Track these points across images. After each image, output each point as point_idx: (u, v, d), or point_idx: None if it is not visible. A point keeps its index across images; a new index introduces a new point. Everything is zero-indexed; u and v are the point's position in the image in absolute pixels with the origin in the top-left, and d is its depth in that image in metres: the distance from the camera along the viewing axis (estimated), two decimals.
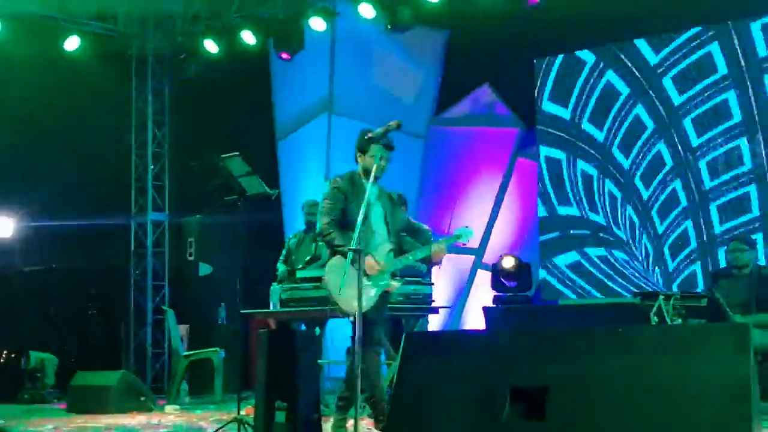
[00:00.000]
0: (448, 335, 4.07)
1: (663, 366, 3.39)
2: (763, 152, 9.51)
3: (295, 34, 11.20)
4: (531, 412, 3.43)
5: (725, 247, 8.09)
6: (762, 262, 8.91)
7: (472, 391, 3.52)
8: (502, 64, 11.22)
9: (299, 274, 8.48)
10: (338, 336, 9.78)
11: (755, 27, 9.66)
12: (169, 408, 9.04)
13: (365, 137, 6.27)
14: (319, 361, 8.99)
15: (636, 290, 9.14)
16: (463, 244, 6.80)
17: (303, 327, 9.11)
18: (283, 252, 9.57)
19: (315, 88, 12.07)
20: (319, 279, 8.09)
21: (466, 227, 6.65)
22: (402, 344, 3.75)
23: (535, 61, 11.18)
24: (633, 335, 3.57)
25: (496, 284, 10.42)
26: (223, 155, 6.88)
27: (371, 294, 5.87)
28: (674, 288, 9.80)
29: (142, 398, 8.95)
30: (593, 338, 3.63)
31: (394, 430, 3.51)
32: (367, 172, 6.16)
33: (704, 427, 3.18)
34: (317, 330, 8.42)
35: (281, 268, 9.36)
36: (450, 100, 12.18)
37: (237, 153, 6.74)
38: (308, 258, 8.99)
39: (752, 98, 9.61)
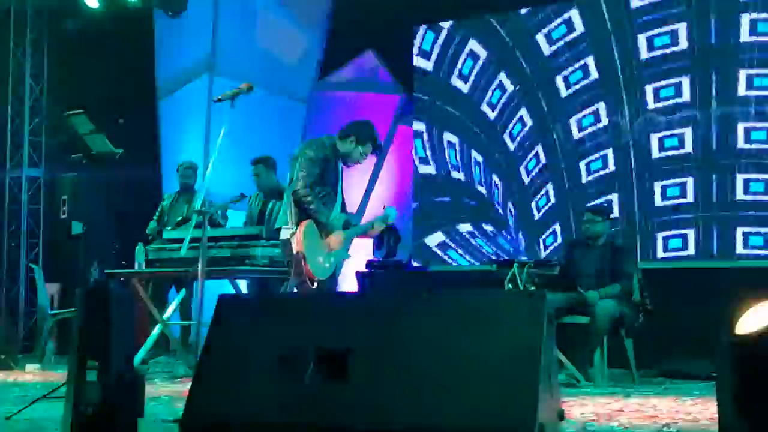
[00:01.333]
0: (263, 298, 4.12)
1: (461, 332, 3.47)
2: (627, 114, 9.71)
3: None
4: (333, 374, 3.48)
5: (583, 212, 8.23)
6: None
7: (278, 353, 3.57)
8: (386, 29, 11.26)
9: (166, 235, 8.47)
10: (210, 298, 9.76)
11: None
12: (29, 367, 8.96)
13: (367, 131, 6.56)
14: (184, 322, 9.06)
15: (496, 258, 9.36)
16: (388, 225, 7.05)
17: (173, 288, 9.14)
18: (157, 212, 9.54)
19: (197, 48, 11.96)
20: (183, 240, 8.11)
21: (392, 207, 6.97)
22: (215, 308, 3.78)
23: (414, 27, 11.25)
24: (437, 301, 3.66)
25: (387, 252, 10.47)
26: (68, 112, 6.80)
27: (327, 266, 6.26)
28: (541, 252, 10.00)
29: (2, 356, 8.86)
30: (400, 302, 3.70)
31: (198, 394, 3.54)
32: (344, 155, 6.47)
33: (494, 391, 3.28)
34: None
35: (151, 226, 9.34)
36: (334, 65, 12.17)
37: (82, 110, 6.66)
38: (179, 219, 8.98)
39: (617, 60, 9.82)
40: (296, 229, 6.12)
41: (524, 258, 8.62)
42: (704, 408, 5.79)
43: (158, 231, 9.06)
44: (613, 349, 7.55)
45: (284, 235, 6.20)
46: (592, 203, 9.46)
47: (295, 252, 6.00)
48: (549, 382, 3.45)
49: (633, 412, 5.59)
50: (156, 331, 8.37)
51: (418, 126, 11.22)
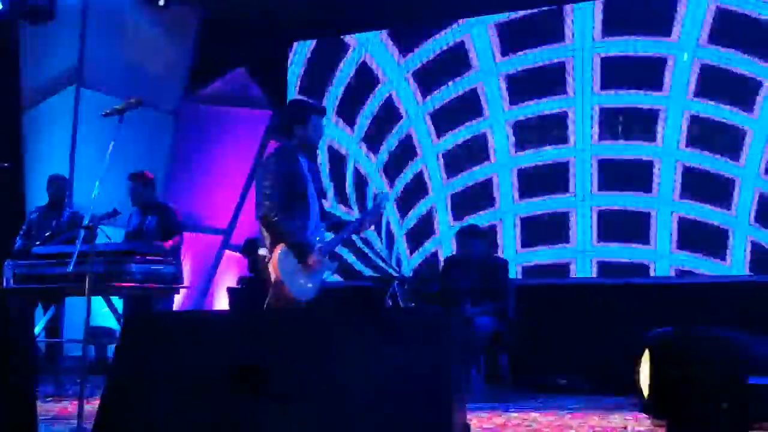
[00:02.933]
0: (171, 316, 4.07)
1: (375, 349, 3.52)
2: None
3: (45, 2, 10.88)
4: (246, 392, 3.48)
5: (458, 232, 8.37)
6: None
7: (190, 372, 3.54)
8: (258, 45, 11.25)
9: (36, 250, 8.25)
10: (78, 315, 9.57)
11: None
12: None
13: (298, 106, 6.12)
14: (55, 339, 8.83)
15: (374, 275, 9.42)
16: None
17: (39, 306, 8.88)
18: (23, 227, 9.28)
19: (64, 59, 11.70)
20: (55, 256, 7.92)
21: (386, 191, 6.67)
22: (122, 325, 3.72)
23: (293, 43, 11.28)
24: (350, 318, 3.69)
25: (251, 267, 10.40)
26: None
27: (310, 285, 5.78)
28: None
29: None
30: (313, 320, 3.72)
31: (107, 416, 3.48)
32: (306, 145, 6.02)
33: (405, 409, 3.33)
34: None
35: (18, 242, 9.09)
36: (205, 79, 12.08)
37: None
38: (47, 234, 8.77)
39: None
40: (270, 255, 5.72)
41: (402, 275, 8.71)
42: (583, 421, 5.97)
43: (25, 247, 8.80)
44: (489, 365, 7.72)
45: (262, 251, 5.90)
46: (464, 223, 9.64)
47: (273, 280, 5.67)
48: (458, 398, 3.52)
49: (516, 426, 5.72)
50: None
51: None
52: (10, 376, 3.67)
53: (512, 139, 9.85)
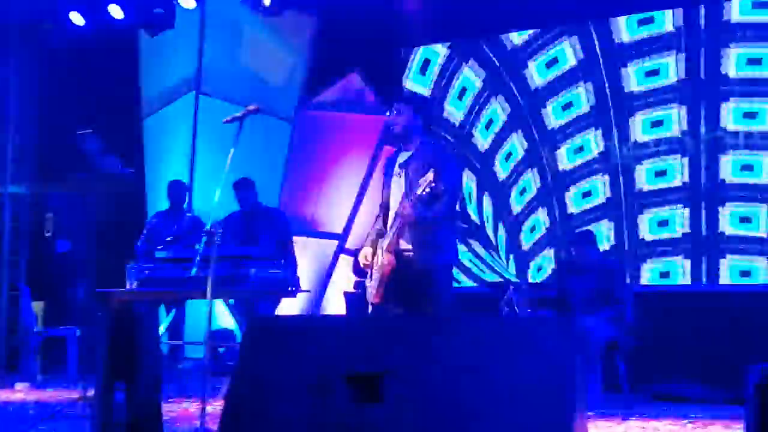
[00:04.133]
0: (293, 320, 4.13)
1: (495, 355, 3.51)
2: (615, 143, 9.80)
3: (163, 11, 11.14)
4: (366, 397, 3.50)
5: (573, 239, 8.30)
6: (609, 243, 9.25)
7: (310, 377, 3.58)
8: (372, 51, 11.31)
9: (158, 254, 8.45)
10: (201, 318, 9.75)
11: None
12: (18, 385, 8.90)
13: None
14: (176, 342, 9.03)
15: (491, 280, 9.39)
16: None
17: (162, 307, 9.10)
18: (144, 231, 9.51)
19: (183, 66, 11.96)
20: (177, 260, 8.11)
21: None
22: (244, 330, 3.79)
23: (402, 50, 11.31)
24: (467, 324, 3.69)
25: (358, 270, 10.48)
26: (78, 132, 6.79)
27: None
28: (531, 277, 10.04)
29: None
30: (431, 325, 3.73)
31: (231, 418, 3.54)
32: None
33: (527, 417, 3.31)
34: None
35: (141, 246, 9.31)
36: (320, 85, 12.19)
37: (91, 130, 6.65)
38: (169, 238, 8.96)
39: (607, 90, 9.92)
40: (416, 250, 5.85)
41: (520, 280, 8.67)
42: (705, 430, 5.86)
43: (148, 251, 9.00)
44: (606, 371, 7.62)
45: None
46: (579, 230, 9.54)
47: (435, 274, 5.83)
48: (580, 407, 3.50)
49: None
50: None
51: None
52: (139, 377, 3.76)
53: None
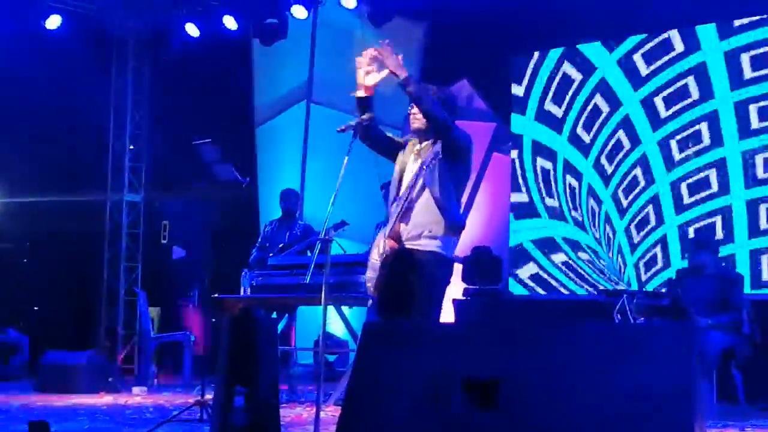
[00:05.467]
0: (407, 326, 4.16)
1: (610, 363, 3.48)
2: (731, 135, 9.65)
3: (276, 22, 11.33)
4: (483, 403, 3.51)
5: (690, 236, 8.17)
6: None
7: (426, 382, 3.61)
8: (481, 59, 11.30)
9: (271, 261, 8.59)
10: (309, 324, 9.89)
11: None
12: (136, 389, 9.11)
13: None
14: (287, 347, 9.15)
15: (602, 287, 9.29)
16: None
17: (274, 315, 9.23)
18: (258, 238, 9.65)
19: (294, 75, 12.13)
20: (290, 267, 8.25)
21: None
22: (360, 334, 3.83)
23: (512, 58, 11.29)
24: (584, 331, 3.67)
25: (467, 277, 10.46)
26: (196, 141, 6.94)
27: None
28: (640, 275, 9.91)
29: (110, 379, 9.02)
30: (547, 333, 3.72)
31: (349, 422, 3.59)
32: None
33: (645, 427, 3.28)
34: None
35: (255, 254, 9.45)
36: None
37: (209, 139, 6.79)
38: (281, 246, 9.09)
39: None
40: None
41: (632, 288, 8.57)
42: None
43: (261, 258, 9.14)
44: (720, 381, 7.47)
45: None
46: (696, 234, 9.39)
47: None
48: (699, 418, 3.45)
49: None
50: None
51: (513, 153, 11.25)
52: (258, 381, 3.83)
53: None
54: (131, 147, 12.45)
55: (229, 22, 11.41)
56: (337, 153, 6.26)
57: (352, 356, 8.39)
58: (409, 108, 5.77)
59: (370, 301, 5.78)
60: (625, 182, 10.29)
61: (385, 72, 5.78)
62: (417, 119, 5.67)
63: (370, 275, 5.56)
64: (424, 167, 5.40)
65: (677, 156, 9.95)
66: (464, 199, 11.47)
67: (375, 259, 5.52)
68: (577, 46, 10.75)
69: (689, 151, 9.82)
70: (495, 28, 10.79)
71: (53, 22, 11.30)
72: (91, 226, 12.29)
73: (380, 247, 5.52)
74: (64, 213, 11.66)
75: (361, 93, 5.78)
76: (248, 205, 11.82)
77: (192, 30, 11.63)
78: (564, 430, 3.42)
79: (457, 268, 11.45)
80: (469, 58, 11.30)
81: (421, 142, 5.66)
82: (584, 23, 10.46)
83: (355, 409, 3.66)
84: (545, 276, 10.72)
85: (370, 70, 5.79)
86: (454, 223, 5.44)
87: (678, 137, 9.97)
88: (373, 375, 3.74)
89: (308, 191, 11.66)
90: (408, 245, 5.40)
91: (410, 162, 5.65)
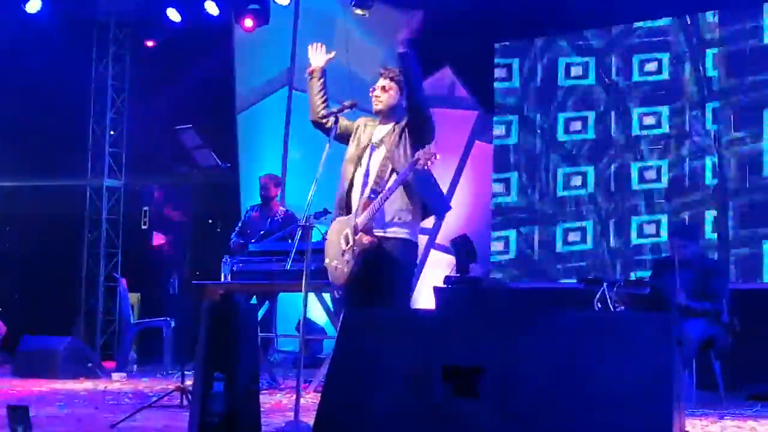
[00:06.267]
0: (386, 314, 4.15)
1: (589, 351, 3.49)
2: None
3: (258, 7, 11.27)
4: (463, 391, 3.51)
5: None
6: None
7: (407, 370, 3.61)
8: (463, 46, 11.29)
9: (252, 248, 8.57)
10: (289, 311, 9.89)
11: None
12: (115, 375, 9.09)
13: None
14: (268, 334, 9.13)
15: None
16: None
17: (254, 300, 9.21)
18: (239, 224, 9.62)
19: (276, 62, 12.09)
20: (272, 253, 8.23)
21: None
22: (340, 321, 3.82)
23: (496, 45, 11.28)
24: (563, 320, 3.67)
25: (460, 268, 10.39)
26: (177, 127, 6.91)
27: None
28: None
29: (89, 365, 8.99)
30: (528, 321, 3.72)
31: (328, 411, 3.58)
32: None
33: (626, 414, 3.29)
34: None
35: (234, 239, 9.42)
36: None
37: (190, 125, 6.76)
38: (262, 232, 9.07)
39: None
40: None
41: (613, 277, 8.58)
42: None
43: (241, 244, 9.12)
44: (700, 370, 7.49)
45: None
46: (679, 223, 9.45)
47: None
48: (678, 405, 3.46)
49: None
50: None
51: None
52: (237, 368, 3.82)
53: None
54: (111, 132, 12.39)
55: (211, 8, 11.34)
56: (319, 140, 6.25)
57: (330, 343, 8.39)
58: (371, 90, 5.73)
59: (336, 293, 5.77)
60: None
61: (332, 54, 6.09)
62: (381, 101, 5.67)
63: (336, 264, 5.54)
64: (394, 154, 5.39)
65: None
66: (447, 187, 11.54)
67: (341, 247, 5.50)
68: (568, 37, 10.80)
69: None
70: (479, 15, 10.78)
71: (33, 5, 11.20)
72: (70, 212, 12.22)
73: (346, 236, 5.49)
74: (44, 198, 11.61)
75: (308, 70, 6.07)
76: (229, 191, 11.79)
77: (173, 15, 11.55)
78: (545, 418, 3.43)
79: (440, 256, 11.49)
80: (451, 45, 11.28)
81: (382, 124, 5.63)
82: (573, 12, 10.48)
83: (334, 398, 3.66)
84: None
85: (318, 54, 6.10)
86: (441, 208, 5.51)
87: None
88: (353, 363, 3.74)
89: (289, 177, 11.64)
90: (378, 233, 5.41)
91: (367, 146, 5.65)
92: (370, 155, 5.59)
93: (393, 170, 5.42)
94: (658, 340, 3.42)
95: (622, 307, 7.40)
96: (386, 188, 5.38)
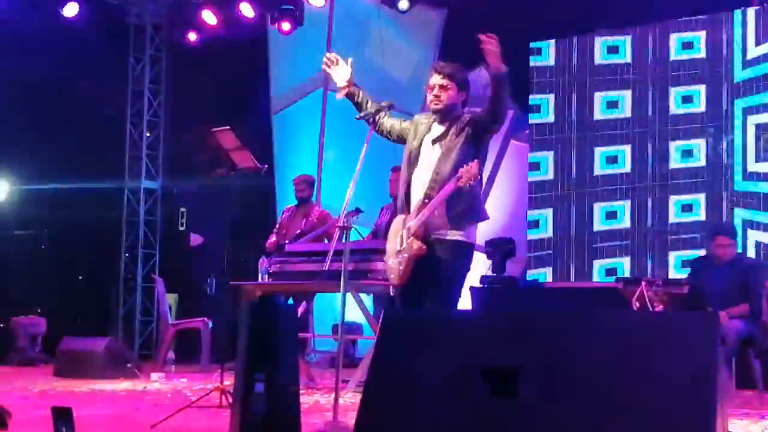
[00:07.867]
0: (425, 315, 4.14)
1: (632, 351, 3.48)
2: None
3: (293, 9, 11.32)
4: (504, 392, 3.51)
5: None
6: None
7: (446, 371, 3.61)
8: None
9: (288, 248, 8.59)
10: (325, 311, 9.92)
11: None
12: (154, 375, 9.14)
13: None
14: (304, 334, 9.16)
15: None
16: None
17: (290, 301, 9.24)
18: (275, 226, 9.65)
19: (311, 63, 12.09)
20: (308, 254, 8.25)
21: None
22: (380, 323, 3.83)
23: (531, 44, 11.26)
24: (604, 319, 3.67)
25: (497, 268, 10.38)
26: (215, 129, 6.94)
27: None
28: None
29: (128, 365, 9.05)
30: (566, 320, 3.71)
31: (370, 412, 3.59)
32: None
33: (668, 414, 3.28)
34: None
35: (272, 241, 9.45)
36: None
37: (228, 127, 6.79)
38: (298, 232, 9.10)
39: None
40: None
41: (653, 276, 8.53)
42: None
43: (279, 245, 9.14)
44: (740, 369, 7.44)
45: None
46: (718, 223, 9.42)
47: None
48: (721, 405, 3.44)
49: None
50: None
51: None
52: (278, 368, 3.84)
53: None
54: (148, 134, 12.48)
55: (246, 10, 11.40)
56: (354, 141, 6.26)
57: (367, 343, 8.40)
58: (428, 90, 5.69)
59: (392, 290, 5.76)
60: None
61: (349, 60, 5.92)
62: (440, 101, 5.59)
63: (392, 264, 5.55)
64: (452, 154, 5.38)
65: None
66: (482, 186, 11.53)
67: (396, 247, 5.51)
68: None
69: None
70: (513, 15, 10.75)
71: (71, 9, 11.30)
72: (108, 213, 12.32)
73: (401, 237, 5.50)
74: (82, 200, 11.69)
75: (341, 94, 5.76)
76: (265, 192, 11.83)
77: (209, 17, 11.62)
78: (584, 418, 3.42)
79: (478, 255, 11.46)
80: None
81: (439, 123, 5.60)
82: (603, 11, 10.45)
83: (375, 399, 3.67)
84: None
85: (338, 68, 5.79)
86: (482, 213, 5.50)
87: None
88: (393, 364, 3.74)
89: (325, 178, 11.68)
90: (434, 235, 5.38)
91: (425, 146, 5.57)
92: (427, 155, 5.52)
93: (449, 171, 5.37)
94: (701, 340, 3.40)
95: (661, 307, 7.36)
96: (437, 195, 5.34)
